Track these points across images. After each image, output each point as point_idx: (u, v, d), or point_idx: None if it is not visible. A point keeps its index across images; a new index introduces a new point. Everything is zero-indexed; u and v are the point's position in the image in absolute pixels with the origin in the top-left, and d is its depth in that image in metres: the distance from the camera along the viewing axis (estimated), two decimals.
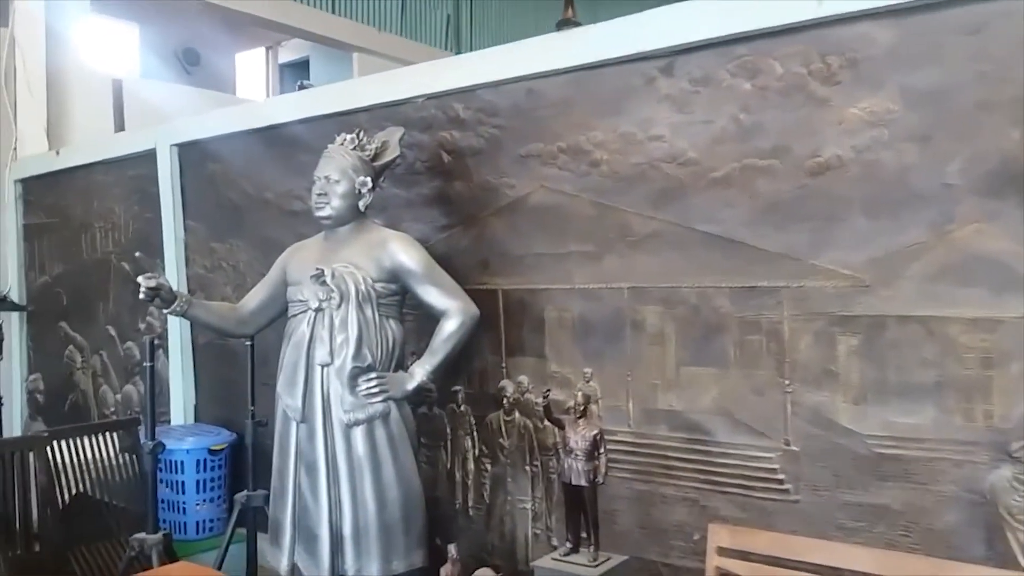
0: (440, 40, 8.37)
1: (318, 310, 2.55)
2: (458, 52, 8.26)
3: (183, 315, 2.63)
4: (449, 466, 3.00)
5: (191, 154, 3.83)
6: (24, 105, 5.04)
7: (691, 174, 2.39)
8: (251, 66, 9.88)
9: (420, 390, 2.62)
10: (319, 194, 2.62)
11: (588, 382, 2.62)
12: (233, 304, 2.81)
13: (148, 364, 2.65)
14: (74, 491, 3.24)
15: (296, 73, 9.57)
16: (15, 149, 5.00)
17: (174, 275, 3.80)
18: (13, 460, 2.77)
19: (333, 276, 2.52)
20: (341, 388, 2.51)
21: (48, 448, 2.93)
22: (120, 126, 5.25)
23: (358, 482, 2.50)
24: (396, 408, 2.58)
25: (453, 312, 2.58)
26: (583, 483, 2.34)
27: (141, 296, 2.50)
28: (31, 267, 4.94)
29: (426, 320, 2.68)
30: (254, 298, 2.82)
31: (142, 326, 4.12)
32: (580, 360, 2.65)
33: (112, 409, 4.31)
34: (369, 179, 2.64)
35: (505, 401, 2.83)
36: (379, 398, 2.53)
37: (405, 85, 2.98)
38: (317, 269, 2.54)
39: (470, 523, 2.94)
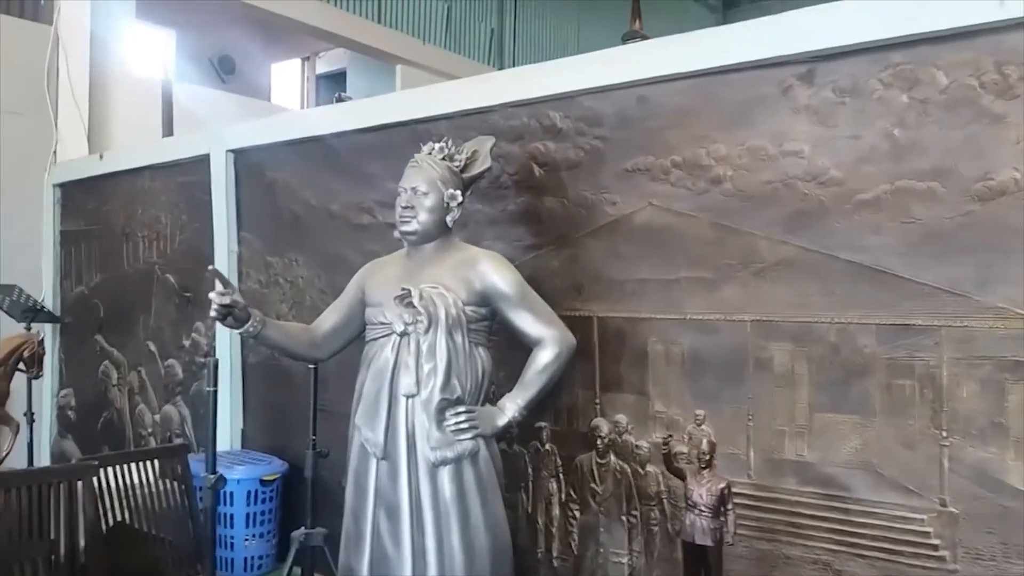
0: (484, 55, 8.18)
1: (403, 334, 2.29)
2: (500, 67, 8.06)
3: (255, 337, 2.37)
4: (530, 510, 2.72)
5: (248, 161, 3.59)
6: (65, 108, 4.85)
7: (833, 195, 2.12)
8: (287, 77, 9.73)
9: (510, 427, 2.35)
10: (405, 207, 2.36)
11: (700, 425, 2.35)
12: (306, 325, 2.55)
13: (211, 389, 2.39)
14: (114, 520, 2.97)
15: (332, 85, 9.39)
16: (55, 152, 4.79)
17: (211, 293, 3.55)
18: (60, 490, 2.52)
19: (421, 297, 2.26)
20: (428, 422, 2.24)
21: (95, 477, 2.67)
22: (169, 130, 5.04)
23: (444, 529, 2.23)
24: (484, 446, 2.31)
25: (549, 341, 2.31)
26: (708, 542, 2.07)
27: (212, 315, 2.24)
28: (66, 276, 4.71)
29: (506, 348, 2.42)
30: (328, 320, 2.56)
31: (186, 343, 3.86)
32: (690, 400, 2.37)
33: (149, 430, 4.05)
34: (459, 192, 2.39)
35: (599, 442, 2.55)
36: (468, 435, 2.26)
37: (493, 91, 2.74)
38: (403, 289, 2.28)
39: (554, 575, 2.66)
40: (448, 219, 2.38)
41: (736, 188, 2.27)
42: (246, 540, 3.18)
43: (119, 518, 2.93)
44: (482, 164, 2.49)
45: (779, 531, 2.21)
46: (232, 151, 3.60)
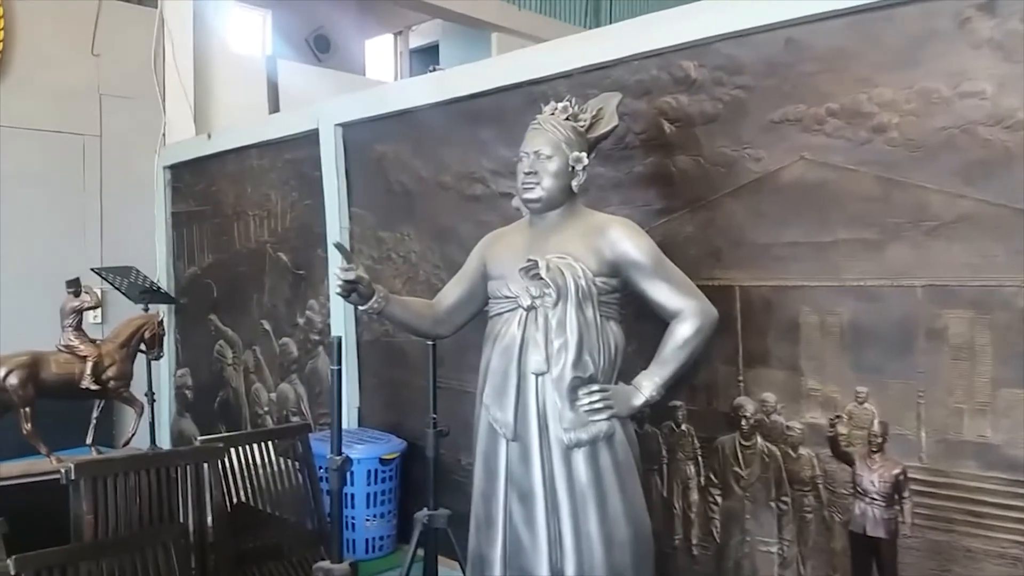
0: (580, 18, 7.92)
1: (530, 309, 2.13)
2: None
3: (379, 313, 2.26)
4: (665, 495, 2.54)
5: (356, 135, 3.50)
6: (172, 90, 4.89)
7: (1022, 141, 1.84)
8: (379, 53, 9.69)
9: (646, 407, 2.17)
10: (527, 172, 2.20)
11: (862, 404, 2.11)
12: (428, 300, 2.43)
13: (335, 367, 2.30)
14: (236, 500, 2.95)
15: (425, 59, 9.28)
16: (163, 135, 4.83)
17: (335, 268, 3.49)
18: (187, 472, 2.49)
19: (548, 269, 2.10)
20: (560, 402, 2.09)
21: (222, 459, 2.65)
22: (275, 107, 5.02)
23: (581, 516, 2.08)
24: (620, 428, 2.14)
25: (688, 314, 2.12)
26: (880, 534, 1.86)
27: (337, 291, 2.15)
28: (179, 257, 4.76)
29: (635, 320, 2.24)
30: (450, 294, 2.43)
31: (300, 320, 3.83)
32: (850, 376, 2.14)
33: (265, 409, 4.06)
34: (584, 154, 2.21)
35: (743, 423, 2.35)
36: (603, 415, 2.10)
37: (617, 43, 2.53)
38: (529, 260, 2.12)
39: (693, 563, 2.48)
40: (573, 184, 2.21)
41: (904, 137, 2.01)
42: (367, 520, 3.12)
43: (242, 498, 2.90)
44: (608, 123, 2.30)
45: (957, 520, 1.97)
46: (340, 125, 3.51)
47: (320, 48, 8.70)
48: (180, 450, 2.68)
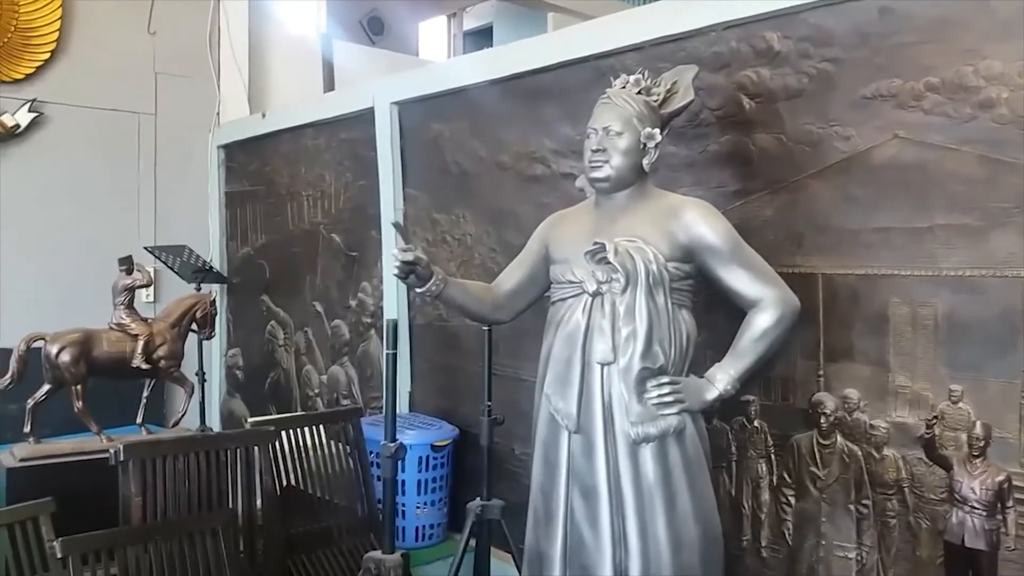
0: None
1: (596, 294, 2.01)
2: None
3: (436, 296, 2.16)
4: (734, 493, 2.40)
5: (412, 114, 3.39)
6: (227, 68, 4.84)
7: None
8: (433, 36, 9.60)
9: (719, 401, 2.04)
10: (596, 150, 2.07)
11: (956, 403, 1.95)
12: (486, 284, 2.33)
13: (390, 351, 2.22)
14: (285, 483, 2.88)
15: (479, 41, 9.18)
16: (218, 114, 4.80)
17: (392, 248, 3.39)
18: (238, 455, 2.43)
19: (616, 252, 1.97)
20: (627, 394, 1.97)
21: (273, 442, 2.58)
22: (330, 85, 4.95)
23: (648, 515, 1.96)
24: (691, 422, 2.01)
25: (769, 303, 1.98)
26: (980, 546, 1.71)
27: (394, 272, 2.05)
28: (232, 237, 4.73)
29: (704, 309, 2.10)
30: (510, 278, 2.32)
31: (352, 303, 3.76)
32: (943, 373, 1.97)
33: (316, 391, 4.00)
34: (657, 131, 2.07)
35: (823, 420, 2.19)
36: (674, 409, 1.97)
37: (695, 13, 2.38)
38: (595, 243, 1.99)
39: (763, 566, 2.34)
40: (645, 162, 2.08)
41: (1014, 113, 1.83)
42: (418, 508, 3.03)
43: (291, 481, 2.84)
44: (683, 97, 2.16)
45: None
46: (396, 103, 3.41)
47: (374, 30, 8.64)
48: (231, 433, 2.63)
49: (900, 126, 2.00)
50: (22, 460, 2.63)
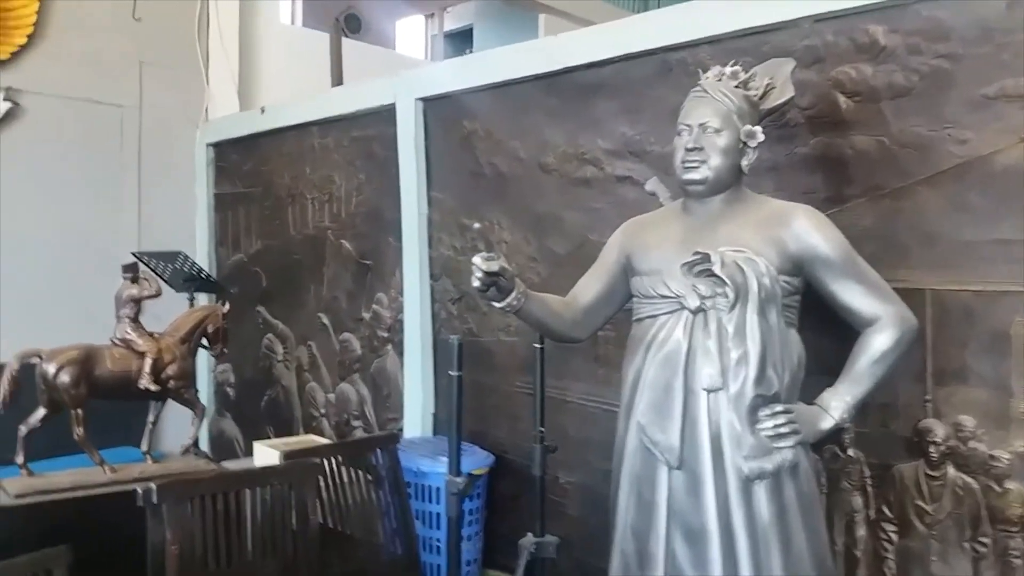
0: (628, 1, 7.56)
1: (698, 311, 1.80)
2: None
3: (516, 312, 1.92)
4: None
5: (439, 111, 3.14)
6: (215, 61, 4.52)
7: None
8: (410, 35, 9.33)
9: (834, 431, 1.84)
10: (691, 148, 1.86)
11: None
12: (565, 299, 2.09)
13: (455, 374, 1.99)
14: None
15: (458, 43, 8.96)
16: (206, 109, 4.47)
17: (415, 256, 3.13)
18: (282, 492, 2.10)
19: (724, 264, 1.76)
20: (739, 425, 1.76)
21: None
22: (338, 80, 4.66)
23: (763, 557, 1.75)
24: (804, 455, 1.81)
25: (887, 322, 1.80)
26: None
27: (475, 284, 1.80)
28: (222, 242, 4.40)
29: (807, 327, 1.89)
30: (587, 291, 2.09)
31: (366, 315, 3.48)
32: None
33: (322, 410, 3.70)
34: (759, 129, 1.87)
35: (931, 449, 2.01)
36: (789, 441, 1.76)
37: (784, 3, 2.18)
38: (697, 254, 1.78)
39: None
40: (744, 163, 1.88)
41: None
42: None
43: (323, 519, 2.54)
44: (782, 93, 1.97)
45: None
46: (422, 99, 3.15)
47: (351, 28, 8.32)
48: (274, 467, 2.30)
49: None
50: (18, 496, 2.30)
